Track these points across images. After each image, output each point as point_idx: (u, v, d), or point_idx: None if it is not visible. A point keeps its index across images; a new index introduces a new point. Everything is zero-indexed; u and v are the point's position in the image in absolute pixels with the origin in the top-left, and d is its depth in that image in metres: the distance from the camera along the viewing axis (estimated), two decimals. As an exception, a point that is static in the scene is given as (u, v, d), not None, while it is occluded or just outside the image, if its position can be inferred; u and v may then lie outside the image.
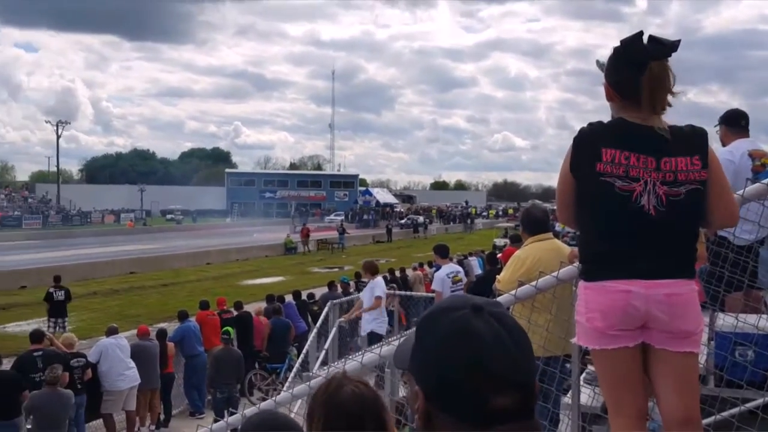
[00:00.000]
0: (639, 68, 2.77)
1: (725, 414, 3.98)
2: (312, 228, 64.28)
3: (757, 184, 3.69)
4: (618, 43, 2.85)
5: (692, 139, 2.80)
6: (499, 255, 13.09)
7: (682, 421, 2.82)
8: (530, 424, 1.23)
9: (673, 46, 2.79)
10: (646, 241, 2.81)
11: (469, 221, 76.09)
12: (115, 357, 11.71)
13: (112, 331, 12.27)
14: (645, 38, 2.80)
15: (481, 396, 1.18)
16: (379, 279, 12.11)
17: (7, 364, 11.17)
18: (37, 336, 11.20)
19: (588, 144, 2.84)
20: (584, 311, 2.89)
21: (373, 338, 11.03)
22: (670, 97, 2.81)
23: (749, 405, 4.04)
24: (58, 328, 17.60)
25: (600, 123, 2.91)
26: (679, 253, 2.82)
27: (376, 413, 2.28)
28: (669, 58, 2.80)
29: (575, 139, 2.89)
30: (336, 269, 35.39)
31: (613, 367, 2.91)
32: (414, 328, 1.35)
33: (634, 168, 2.76)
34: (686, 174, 2.75)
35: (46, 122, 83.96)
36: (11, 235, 54.38)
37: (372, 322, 11.47)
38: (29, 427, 9.72)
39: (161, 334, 13.40)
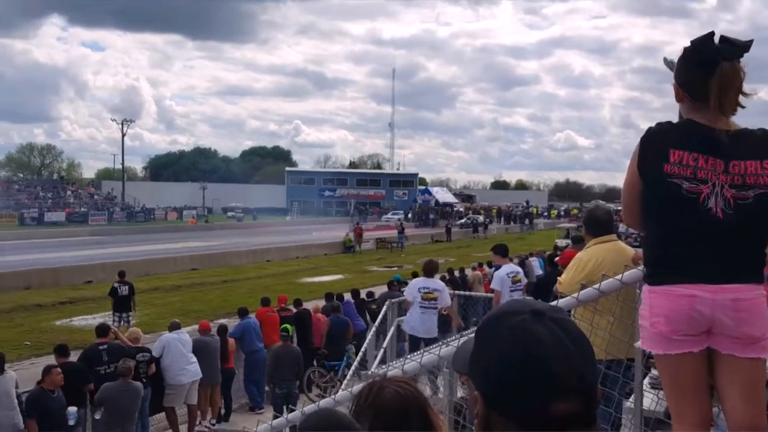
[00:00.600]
0: (709, 69, 2.71)
1: None
2: (371, 227, 64.80)
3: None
4: (688, 43, 2.80)
5: (764, 143, 2.73)
6: (556, 258, 12.89)
7: (747, 428, 2.75)
8: (590, 431, 1.22)
9: (745, 46, 2.72)
10: (713, 244, 2.75)
11: (527, 221, 75.21)
12: (177, 352, 11.92)
13: (174, 326, 12.51)
14: (716, 38, 2.73)
15: (542, 401, 1.17)
16: (413, 281, 11.67)
17: (74, 357, 11.49)
18: (102, 330, 11.45)
19: (656, 144, 2.79)
20: (648, 315, 2.85)
21: (411, 340, 10.74)
22: (741, 98, 2.74)
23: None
24: (122, 322, 17.95)
25: (669, 123, 2.86)
26: (747, 258, 2.76)
27: (421, 411, 2.28)
28: (741, 59, 2.73)
29: (643, 139, 2.84)
30: (395, 268, 35.41)
31: (677, 373, 2.87)
32: (474, 332, 1.34)
33: (702, 170, 2.71)
34: (755, 178, 2.69)
35: (112, 120, 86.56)
36: (77, 231, 56.04)
37: (405, 323, 11.08)
38: (98, 417, 9.97)
39: (222, 330, 13.60)
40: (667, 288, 2.79)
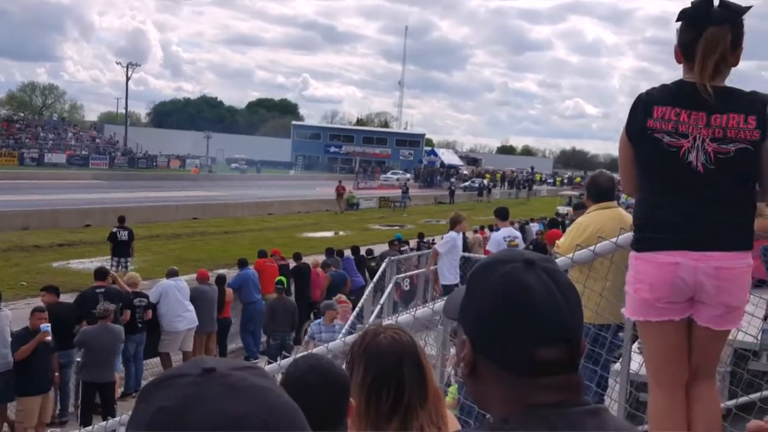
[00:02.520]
0: (698, 31, 2.72)
1: None
2: (375, 185, 64.72)
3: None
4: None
5: (750, 101, 2.72)
6: (546, 234, 12.85)
7: (708, 377, 2.96)
8: (573, 378, 1.24)
9: (738, 11, 2.69)
10: (695, 203, 2.75)
11: (525, 188, 74.55)
12: (174, 299, 11.98)
13: (172, 274, 12.56)
14: (717, 1, 2.71)
15: (528, 347, 1.20)
16: (448, 234, 11.78)
17: (70, 299, 11.54)
18: (101, 273, 11.51)
19: (643, 104, 2.83)
20: (633, 281, 2.88)
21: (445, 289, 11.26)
22: (727, 65, 2.74)
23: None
24: (120, 267, 17.97)
25: (660, 85, 2.88)
26: (733, 222, 2.74)
27: (414, 356, 2.30)
28: (739, 24, 2.71)
29: (633, 102, 2.88)
30: (396, 227, 35.42)
31: (656, 339, 2.92)
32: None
33: (684, 124, 2.71)
34: (737, 131, 2.67)
35: (117, 63, 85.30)
36: (78, 174, 55.93)
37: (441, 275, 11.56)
38: (79, 360, 10.03)
39: (220, 280, 13.67)
40: (651, 255, 2.81)
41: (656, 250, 2.79)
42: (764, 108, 2.70)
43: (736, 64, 2.76)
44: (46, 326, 9.07)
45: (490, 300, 1.24)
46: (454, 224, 11.60)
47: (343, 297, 11.24)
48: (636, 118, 2.83)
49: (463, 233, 13.10)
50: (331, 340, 9.10)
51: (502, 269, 1.25)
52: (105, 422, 5.07)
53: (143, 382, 11.62)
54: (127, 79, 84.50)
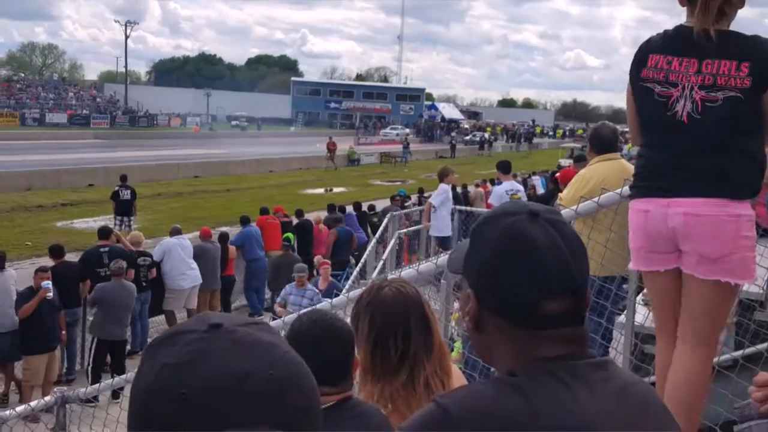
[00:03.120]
0: None
1: None
2: (375, 141, 64.44)
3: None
4: None
5: (748, 47, 2.57)
6: (556, 175, 12.89)
7: (698, 343, 2.75)
8: (579, 330, 1.24)
9: None
10: (674, 151, 2.68)
11: (526, 141, 74.03)
12: (178, 256, 12.00)
13: (175, 232, 12.57)
14: None
15: (533, 300, 1.19)
16: (440, 186, 12.08)
17: (74, 258, 11.56)
18: (104, 232, 11.53)
19: (642, 52, 2.77)
20: (629, 231, 2.88)
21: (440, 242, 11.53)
22: (731, 11, 2.62)
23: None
24: (123, 226, 17.98)
25: (663, 31, 2.79)
26: (713, 168, 2.62)
27: (419, 308, 2.31)
28: None
29: (636, 51, 2.82)
30: (398, 182, 35.38)
31: (652, 288, 2.92)
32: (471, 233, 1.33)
33: (674, 72, 2.63)
34: (727, 78, 2.55)
35: (115, 21, 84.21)
36: (79, 134, 55.93)
37: (434, 227, 11.87)
38: (91, 318, 10.08)
39: (223, 237, 13.68)
40: (633, 203, 2.81)
41: (635, 197, 2.80)
42: (762, 53, 2.56)
43: (742, 5, 2.65)
44: (47, 284, 9.09)
45: (494, 252, 1.23)
46: (443, 177, 11.95)
47: (324, 259, 11.39)
48: (633, 68, 2.79)
49: (453, 185, 13.28)
50: (299, 304, 9.27)
51: (506, 221, 1.24)
52: (111, 379, 5.11)
53: (149, 340, 11.76)
54: (126, 37, 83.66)
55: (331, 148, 43.60)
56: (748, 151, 2.65)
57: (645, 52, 2.74)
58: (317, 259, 12.05)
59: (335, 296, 10.35)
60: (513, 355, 1.23)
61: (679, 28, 2.70)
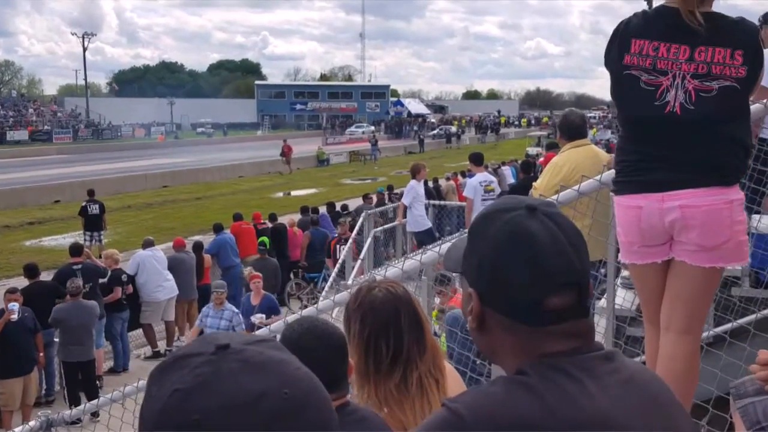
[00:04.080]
0: None
1: (763, 313, 4.03)
2: (344, 140, 64.33)
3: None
4: None
5: (739, 32, 2.49)
6: (540, 160, 13.00)
7: (680, 330, 2.69)
8: (584, 323, 1.23)
9: None
10: (667, 144, 2.57)
11: (489, 131, 73.96)
12: (153, 269, 11.88)
13: (148, 244, 12.43)
14: None
15: (536, 295, 1.18)
16: (409, 184, 12.23)
17: (47, 276, 11.37)
18: (76, 249, 11.36)
19: (621, 35, 2.63)
20: (617, 225, 2.84)
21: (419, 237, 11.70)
22: None
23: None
24: (94, 241, 17.75)
25: (642, 12, 2.67)
26: (706, 158, 2.55)
27: (410, 308, 2.30)
28: None
29: (612, 31, 2.69)
30: (369, 180, 35.34)
31: (641, 281, 2.85)
32: (466, 231, 1.34)
33: (663, 60, 2.50)
34: (722, 67, 2.45)
35: (72, 34, 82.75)
36: (42, 150, 54.84)
37: (411, 224, 11.91)
38: (56, 339, 9.91)
39: (197, 247, 13.59)
40: (620, 199, 2.73)
41: (623, 194, 2.70)
42: (752, 39, 2.50)
43: None
44: (13, 305, 8.90)
45: (494, 250, 1.21)
46: (415, 173, 12.04)
47: (255, 272, 11.12)
48: (611, 52, 2.64)
49: (425, 181, 13.42)
50: (216, 327, 9.16)
51: (505, 217, 1.22)
52: (96, 400, 5.02)
53: (132, 356, 11.61)
54: (84, 49, 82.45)
55: (286, 151, 42.15)
56: (739, 138, 2.59)
57: (625, 36, 2.60)
58: (247, 271, 11.88)
59: (271, 311, 10.28)
60: (519, 353, 1.21)
61: (662, 10, 2.58)
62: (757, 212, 4.37)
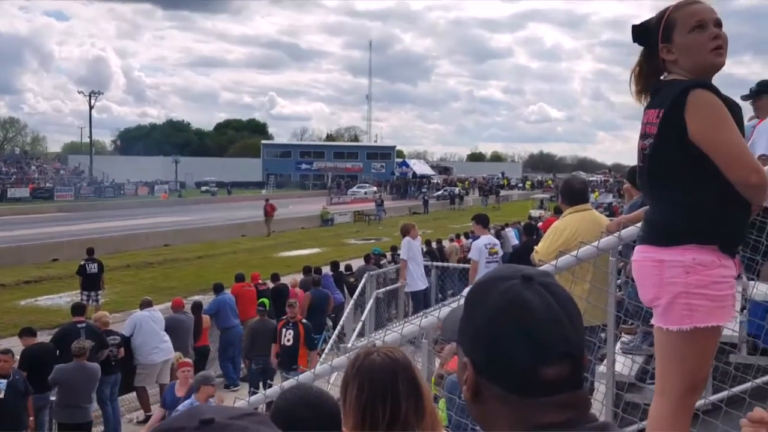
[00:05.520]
0: None
1: (759, 381, 4.09)
2: (348, 200, 64.59)
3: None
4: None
5: (670, 93, 2.63)
6: (540, 224, 12.93)
7: (656, 391, 2.78)
8: (578, 394, 1.22)
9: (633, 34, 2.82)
10: (644, 199, 2.93)
11: (491, 194, 73.64)
12: (150, 330, 11.67)
13: (146, 304, 12.24)
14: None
15: (531, 367, 1.17)
16: (404, 240, 12.42)
17: (46, 337, 11.16)
18: (79, 308, 11.27)
19: None
20: None
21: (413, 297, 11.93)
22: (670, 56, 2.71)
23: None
24: (91, 301, 17.56)
25: None
26: (650, 216, 2.79)
27: (408, 375, 2.29)
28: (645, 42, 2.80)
29: None
30: (373, 240, 35.27)
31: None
32: (463, 299, 1.33)
33: (643, 125, 2.75)
34: (651, 127, 2.66)
35: (79, 92, 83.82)
36: (42, 207, 54.87)
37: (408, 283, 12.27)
38: (53, 399, 9.66)
39: (196, 307, 13.44)
40: None
41: None
42: (676, 96, 2.57)
43: (660, 59, 2.74)
44: (1, 383, 8.72)
45: (489, 319, 1.21)
46: (405, 233, 12.40)
47: (184, 359, 10.49)
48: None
49: (428, 241, 13.61)
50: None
51: (501, 287, 1.22)
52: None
53: (124, 420, 11.26)
54: (90, 107, 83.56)
55: (269, 210, 40.36)
56: (680, 200, 2.64)
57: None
58: (175, 356, 11.37)
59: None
60: (514, 424, 1.20)
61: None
62: (751, 279, 4.45)
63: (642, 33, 2.78)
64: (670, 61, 2.68)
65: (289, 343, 11.38)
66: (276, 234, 40.29)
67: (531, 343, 1.17)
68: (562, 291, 1.24)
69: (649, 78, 2.78)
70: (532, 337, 1.17)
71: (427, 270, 13.41)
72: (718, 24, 2.64)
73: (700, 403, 3.65)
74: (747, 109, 5.57)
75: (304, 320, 11.92)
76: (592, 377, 4.44)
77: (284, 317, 11.93)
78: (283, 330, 11.51)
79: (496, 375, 1.21)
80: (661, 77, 2.75)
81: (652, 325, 2.78)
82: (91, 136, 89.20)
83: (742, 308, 4.46)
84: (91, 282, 18.37)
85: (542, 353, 1.17)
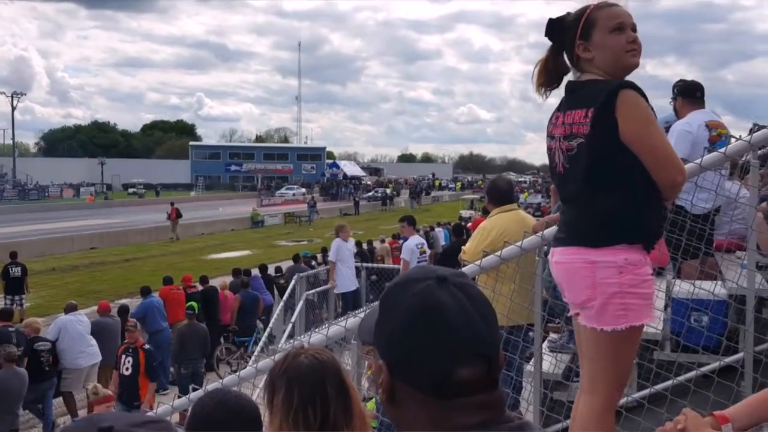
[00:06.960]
0: None
1: (681, 378, 4.09)
2: (279, 201, 64.11)
3: (713, 153, 3.75)
4: None
5: (597, 92, 2.61)
6: (469, 225, 13.23)
7: (585, 390, 2.77)
8: (494, 395, 1.21)
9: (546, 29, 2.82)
10: (562, 201, 2.86)
11: (423, 194, 73.98)
12: (75, 334, 11.43)
13: (71, 308, 12.00)
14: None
15: (445, 367, 1.16)
16: (334, 242, 12.71)
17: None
18: (7, 313, 11.13)
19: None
20: None
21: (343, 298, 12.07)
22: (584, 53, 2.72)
23: (704, 369, 4.17)
24: (15, 305, 17.11)
25: None
26: (576, 217, 2.74)
27: (337, 377, 2.26)
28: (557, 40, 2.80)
29: None
30: (304, 242, 35.18)
31: (576, 335, 2.93)
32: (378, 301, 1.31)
33: (553, 126, 2.76)
34: (578, 126, 2.62)
35: (0, 93, 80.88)
36: (-36, 212, 53.00)
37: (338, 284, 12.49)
38: None
39: (123, 310, 13.22)
40: None
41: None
42: (606, 97, 2.57)
43: (572, 56, 2.77)
44: None
45: (403, 321, 1.19)
46: (338, 233, 12.75)
47: (104, 391, 8.70)
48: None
49: (358, 242, 13.74)
50: None
51: (415, 288, 1.21)
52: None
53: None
54: (13, 108, 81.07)
55: (172, 215, 38.93)
56: (604, 197, 2.63)
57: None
58: (90, 389, 8.81)
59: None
60: (429, 427, 1.19)
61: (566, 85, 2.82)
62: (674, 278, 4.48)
63: (557, 28, 2.77)
64: (586, 60, 2.70)
65: (128, 372, 10.12)
66: (205, 236, 39.80)
67: (444, 344, 1.16)
68: (477, 291, 1.24)
69: (552, 73, 2.79)
70: (445, 338, 1.16)
71: (358, 271, 13.53)
72: (635, 29, 2.69)
73: (623, 400, 3.71)
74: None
75: (146, 346, 10.64)
76: (519, 377, 4.46)
77: (125, 342, 10.67)
78: (123, 357, 10.25)
79: (410, 377, 1.19)
80: (570, 75, 2.78)
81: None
82: (13, 138, 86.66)
83: (666, 306, 4.50)
84: (14, 285, 17.96)
85: (456, 354, 1.17)
